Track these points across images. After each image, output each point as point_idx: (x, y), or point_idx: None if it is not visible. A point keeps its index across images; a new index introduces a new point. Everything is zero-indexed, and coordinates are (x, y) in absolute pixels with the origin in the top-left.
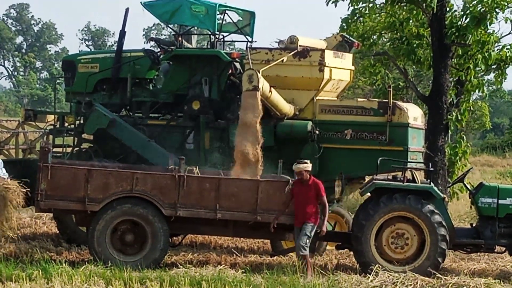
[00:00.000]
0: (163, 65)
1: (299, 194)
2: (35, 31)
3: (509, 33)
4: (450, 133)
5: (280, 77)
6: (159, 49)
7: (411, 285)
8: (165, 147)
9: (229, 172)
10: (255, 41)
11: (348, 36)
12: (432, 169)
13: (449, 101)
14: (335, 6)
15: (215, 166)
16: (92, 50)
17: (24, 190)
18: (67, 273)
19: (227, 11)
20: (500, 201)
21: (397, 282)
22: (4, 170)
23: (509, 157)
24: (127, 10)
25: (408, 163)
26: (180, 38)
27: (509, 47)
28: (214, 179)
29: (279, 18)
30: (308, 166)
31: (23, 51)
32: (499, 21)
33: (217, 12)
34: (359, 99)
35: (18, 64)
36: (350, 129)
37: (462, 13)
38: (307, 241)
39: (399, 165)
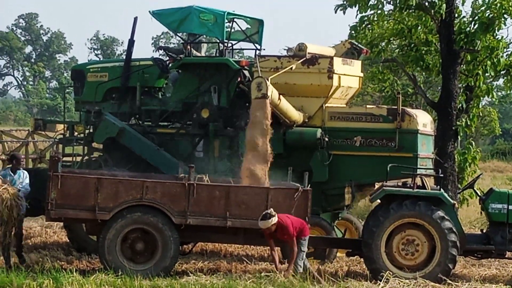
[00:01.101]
0: (172, 73)
1: (276, 241)
2: (44, 40)
3: None
4: (459, 139)
5: (289, 85)
6: (168, 58)
7: None
8: (175, 156)
9: (239, 180)
10: (264, 49)
11: (356, 43)
12: (441, 175)
13: (458, 107)
14: (344, 13)
15: (224, 174)
16: (101, 59)
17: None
18: (77, 282)
19: (235, 19)
20: (511, 207)
21: None
22: (27, 183)
23: None
24: (135, 19)
25: (418, 170)
26: (188, 47)
27: None
28: (224, 187)
29: (287, 26)
30: (273, 220)
31: (32, 60)
32: (508, 27)
33: (226, 20)
34: (368, 106)
35: (27, 73)
36: (360, 136)
37: (471, 19)
38: (303, 255)
39: (409, 171)
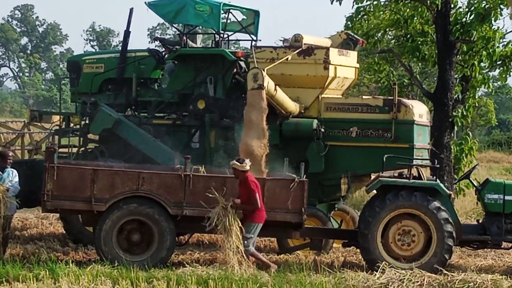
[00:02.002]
0: (168, 64)
1: (242, 195)
2: (40, 32)
3: None
4: (455, 129)
5: (285, 76)
6: (164, 49)
7: (418, 282)
8: (171, 147)
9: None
10: (260, 40)
11: (352, 34)
12: (438, 166)
13: (454, 98)
14: (340, 4)
15: (221, 165)
16: (97, 50)
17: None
18: (74, 273)
19: (231, 10)
20: (507, 197)
21: (404, 279)
22: (16, 181)
23: None
24: (131, 10)
25: (414, 160)
26: (184, 38)
27: None
28: (220, 178)
29: (283, 16)
30: (245, 167)
31: (28, 52)
32: (504, 18)
33: (222, 11)
34: (364, 97)
35: (23, 65)
36: (356, 127)
37: (467, 9)
38: (252, 240)
39: (405, 162)
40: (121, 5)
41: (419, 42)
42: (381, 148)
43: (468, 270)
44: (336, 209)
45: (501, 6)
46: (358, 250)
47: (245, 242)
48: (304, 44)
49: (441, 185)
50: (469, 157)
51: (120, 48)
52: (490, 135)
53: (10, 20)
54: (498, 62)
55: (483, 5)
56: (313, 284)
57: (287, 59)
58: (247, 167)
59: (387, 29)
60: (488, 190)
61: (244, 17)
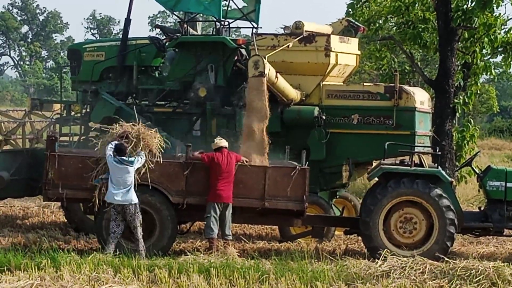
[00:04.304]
0: (169, 52)
1: (227, 168)
2: (41, 20)
3: None
4: (457, 116)
5: (286, 63)
6: (164, 37)
7: (419, 269)
8: (172, 135)
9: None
10: (261, 27)
11: (354, 21)
12: (439, 153)
13: (456, 85)
14: None
15: None
16: (98, 38)
17: None
18: (75, 262)
19: None
20: (508, 184)
21: (406, 266)
22: None
23: None
24: None
25: (416, 147)
26: (185, 25)
27: None
28: None
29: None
30: (216, 143)
31: (29, 40)
32: (505, 4)
33: None
34: (365, 84)
35: (23, 53)
36: (357, 114)
37: None
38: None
39: (407, 149)
40: None
41: (421, 29)
42: (382, 135)
43: (470, 257)
44: (337, 196)
45: None
46: (360, 237)
47: (205, 222)
48: (305, 31)
49: (443, 172)
50: (471, 144)
51: (120, 36)
52: (492, 122)
53: (11, 8)
54: (500, 49)
55: None
56: (314, 272)
57: (288, 46)
58: (214, 145)
59: (388, 16)
60: (489, 177)
61: (245, 4)
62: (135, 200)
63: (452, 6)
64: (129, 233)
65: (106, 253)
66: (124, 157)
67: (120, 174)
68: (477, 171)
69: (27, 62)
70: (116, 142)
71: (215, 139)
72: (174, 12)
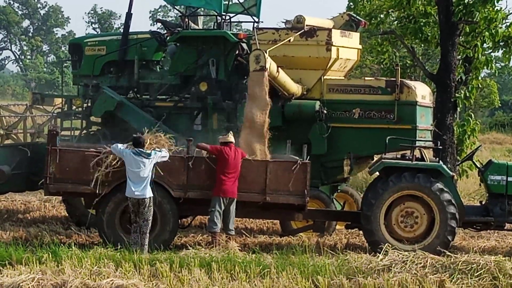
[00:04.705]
0: (170, 46)
1: (233, 162)
2: (42, 14)
3: None
4: (458, 111)
5: (287, 57)
6: (165, 31)
7: (421, 263)
8: (173, 129)
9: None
10: (262, 22)
11: (355, 15)
12: (440, 147)
13: (457, 79)
14: None
15: None
16: (99, 32)
17: None
18: (77, 256)
19: None
20: (510, 179)
21: (407, 261)
22: None
23: None
24: None
25: (417, 142)
26: (186, 20)
27: None
28: None
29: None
30: (226, 138)
31: (30, 34)
32: None
33: None
34: (366, 78)
35: (25, 47)
36: (358, 108)
37: None
38: (211, 215)
39: (408, 143)
40: None
41: (422, 23)
42: (383, 130)
43: (471, 251)
44: (339, 191)
45: None
46: (361, 232)
47: (209, 216)
48: (306, 25)
49: (444, 166)
50: (472, 139)
51: (122, 31)
52: (493, 116)
53: (12, 2)
54: (501, 43)
55: None
56: (316, 266)
57: (289, 40)
58: (224, 139)
59: (390, 10)
60: (491, 172)
61: None
62: (150, 194)
63: (453, 0)
64: (130, 228)
65: (132, 240)
66: (141, 149)
67: (136, 166)
68: (478, 165)
69: (28, 57)
70: (134, 135)
71: (227, 133)
72: (175, 7)
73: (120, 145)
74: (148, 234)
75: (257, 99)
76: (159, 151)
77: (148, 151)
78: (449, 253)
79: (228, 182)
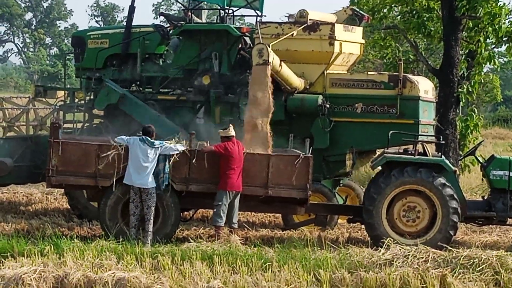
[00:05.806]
0: (173, 40)
1: (238, 156)
2: (45, 7)
3: None
4: (461, 106)
5: (290, 51)
6: (168, 24)
7: (422, 258)
8: (176, 122)
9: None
10: (265, 16)
11: (358, 10)
12: (443, 142)
13: (460, 74)
14: None
15: None
16: (102, 25)
17: None
18: (79, 249)
19: None
20: None
21: (409, 255)
22: None
23: None
24: None
25: (419, 136)
26: (189, 13)
27: None
28: None
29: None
30: (227, 132)
31: (33, 27)
32: None
33: None
34: (369, 73)
35: (28, 40)
36: (361, 103)
37: None
38: (217, 209)
39: (410, 138)
40: None
41: (425, 18)
42: (386, 124)
43: (473, 246)
44: (341, 185)
45: None
46: (363, 226)
47: (214, 210)
48: (310, 19)
49: (446, 161)
50: (475, 134)
51: (125, 24)
52: (496, 111)
53: None
54: (504, 39)
55: None
56: (317, 260)
57: (292, 34)
58: (225, 133)
59: (393, 5)
60: (493, 167)
61: None
62: (153, 184)
63: None
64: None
65: (130, 235)
66: (148, 138)
67: (140, 153)
68: (481, 160)
69: (31, 49)
70: (145, 125)
71: (227, 127)
72: (179, 0)
73: (124, 137)
74: (152, 221)
75: (260, 104)
76: (169, 144)
77: (152, 140)
78: (451, 248)
79: (234, 176)
